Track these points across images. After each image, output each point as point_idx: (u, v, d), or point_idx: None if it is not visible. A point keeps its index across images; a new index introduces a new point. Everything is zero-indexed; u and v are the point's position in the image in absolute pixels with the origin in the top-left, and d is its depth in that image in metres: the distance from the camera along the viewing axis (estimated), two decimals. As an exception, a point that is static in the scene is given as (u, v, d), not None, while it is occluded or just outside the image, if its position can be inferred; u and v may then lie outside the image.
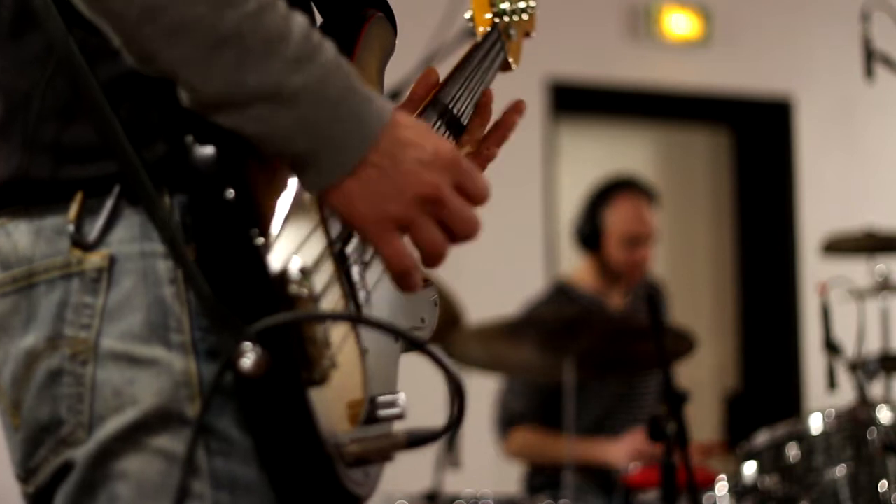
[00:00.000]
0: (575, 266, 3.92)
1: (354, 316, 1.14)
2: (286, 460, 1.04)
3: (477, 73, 1.41)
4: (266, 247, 1.03)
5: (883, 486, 3.10)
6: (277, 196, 1.07)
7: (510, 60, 1.52)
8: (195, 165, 1.04)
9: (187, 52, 1.02)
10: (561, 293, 3.80)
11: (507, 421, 3.67)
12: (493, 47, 1.47)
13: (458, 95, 1.35)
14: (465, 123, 1.38)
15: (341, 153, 1.06)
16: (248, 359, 1.00)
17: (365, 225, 1.07)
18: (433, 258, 1.09)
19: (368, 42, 1.25)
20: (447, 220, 1.09)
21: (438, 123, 1.32)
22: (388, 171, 1.07)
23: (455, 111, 1.35)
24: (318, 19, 1.28)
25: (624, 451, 3.45)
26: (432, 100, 1.32)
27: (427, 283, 1.29)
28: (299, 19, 1.06)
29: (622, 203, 3.73)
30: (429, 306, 1.31)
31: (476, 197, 1.12)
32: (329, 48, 1.07)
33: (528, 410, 3.68)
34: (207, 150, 1.04)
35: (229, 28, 1.02)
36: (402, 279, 1.09)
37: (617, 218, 3.71)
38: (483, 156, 1.42)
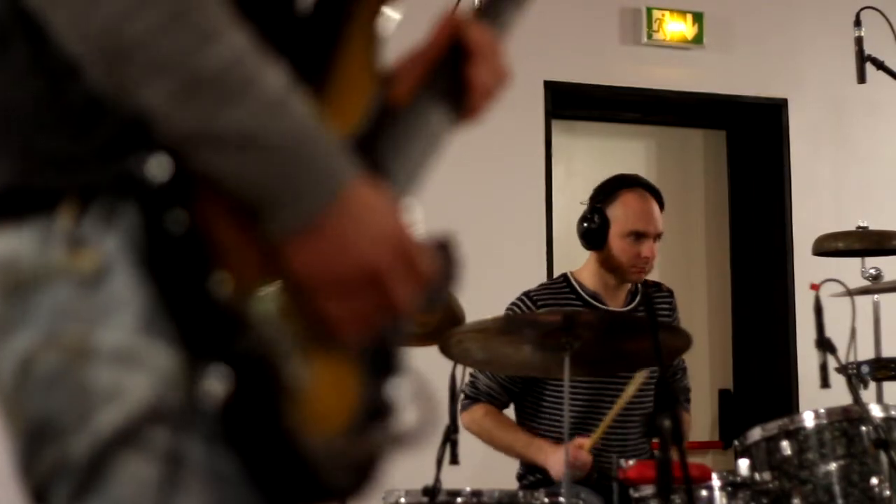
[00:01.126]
0: (578, 265, 3.94)
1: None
2: (265, 463, 1.07)
3: (499, 14, 1.40)
4: (217, 274, 1.04)
5: (874, 481, 3.13)
6: (232, 217, 1.08)
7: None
8: (148, 186, 1.05)
9: (164, 90, 1.04)
10: (566, 282, 3.83)
11: (472, 395, 3.75)
12: None
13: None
14: None
15: (300, 206, 1.08)
16: (216, 386, 1.02)
17: (307, 283, 1.09)
18: (349, 333, 1.12)
19: (360, 20, 1.25)
20: (379, 300, 1.11)
21: None
22: (336, 235, 1.09)
23: None
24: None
25: (559, 460, 3.48)
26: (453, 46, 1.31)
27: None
28: (272, 67, 1.08)
29: (629, 199, 3.73)
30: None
31: (416, 279, 1.13)
32: (299, 97, 1.09)
33: (492, 391, 3.76)
34: (163, 171, 1.05)
35: (208, 69, 1.04)
36: (327, 337, 1.11)
37: (623, 213, 3.71)
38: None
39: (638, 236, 3.69)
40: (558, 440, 3.62)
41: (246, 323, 1.05)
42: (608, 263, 3.76)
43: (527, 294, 3.78)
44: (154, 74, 1.04)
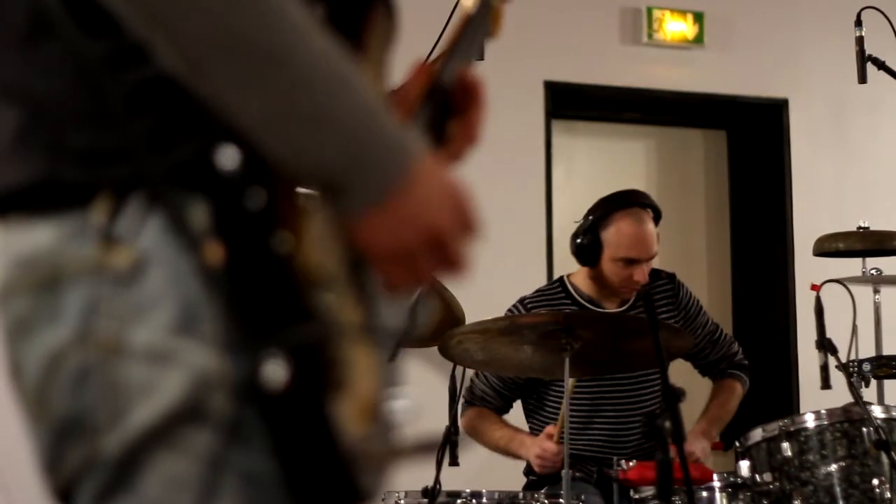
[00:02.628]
0: (574, 270, 3.93)
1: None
2: (305, 460, 1.06)
3: (470, 49, 1.41)
4: (290, 257, 1.04)
5: (875, 482, 3.13)
6: (300, 203, 1.08)
7: (490, 30, 1.50)
8: (220, 171, 1.05)
9: (241, 70, 1.04)
10: (562, 286, 3.83)
11: (468, 400, 3.77)
12: (481, 18, 1.47)
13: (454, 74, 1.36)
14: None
15: (373, 181, 1.08)
16: (276, 372, 1.02)
17: (377, 253, 1.11)
18: (421, 284, 1.15)
19: (374, 32, 1.25)
20: (443, 260, 1.14)
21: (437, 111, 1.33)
22: (408, 206, 1.10)
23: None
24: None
25: (532, 449, 3.51)
26: (433, 84, 1.32)
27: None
28: (335, 42, 1.08)
29: (623, 225, 3.67)
30: (427, 302, 1.35)
31: (473, 232, 1.17)
32: (360, 72, 1.10)
33: (486, 396, 3.77)
34: (234, 157, 1.05)
35: (282, 47, 1.04)
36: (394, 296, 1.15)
37: (616, 239, 3.66)
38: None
39: (630, 262, 3.66)
40: (582, 442, 3.64)
41: (309, 308, 1.04)
42: (600, 280, 3.74)
43: (521, 301, 3.77)
44: (228, 56, 1.04)
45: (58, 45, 1.10)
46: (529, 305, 3.74)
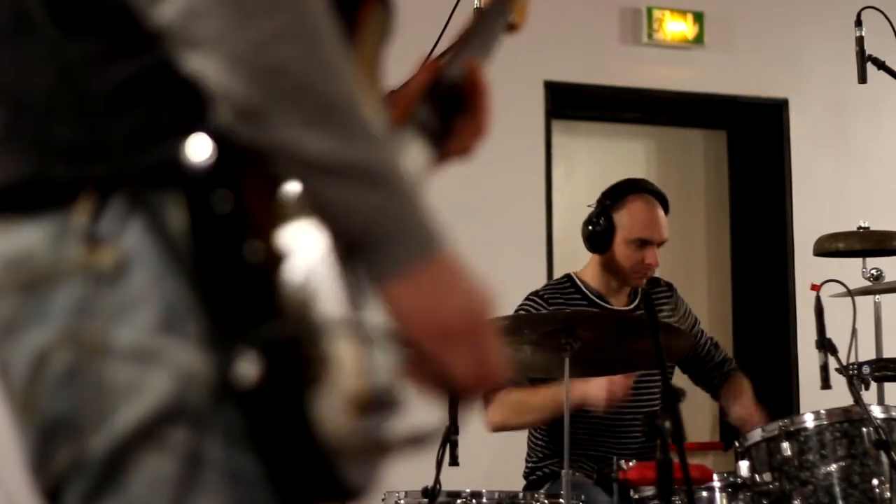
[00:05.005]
0: (578, 265, 3.94)
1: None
2: (285, 457, 1.06)
3: (482, 43, 1.41)
4: (261, 255, 1.04)
5: (875, 482, 3.13)
6: (272, 203, 1.08)
7: (514, 21, 1.51)
8: (190, 168, 1.05)
9: (304, 116, 1.05)
10: (571, 282, 3.83)
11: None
12: (498, 12, 1.47)
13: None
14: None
15: (414, 245, 1.10)
16: (248, 369, 1.02)
17: (413, 323, 1.11)
18: (444, 385, 1.15)
19: (368, 26, 1.25)
20: (479, 356, 1.14)
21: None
22: (444, 282, 1.11)
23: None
24: None
25: (595, 389, 3.45)
26: (437, 79, 1.32)
27: None
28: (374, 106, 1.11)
29: (636, 206, 3.73)
30: None
31: (484, 352, 1.15)
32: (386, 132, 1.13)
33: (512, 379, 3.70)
34: (204, 156, 1.05)
35: (342, 98, 1.07)
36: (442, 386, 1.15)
37: (629, 220, 3.71)
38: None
39: (643, 243, 3.70)
40: (581, 441, 3.62)
41: (281, 305, 1.05)
42: (611, 267, 3.76)
43: (536, 294, 3.78)
44: (294, 99, 1.05)
45: (40, 43, 1.10)
46: (546, 297, 3.75)
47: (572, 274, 3.87)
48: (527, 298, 3.77)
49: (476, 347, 1.14)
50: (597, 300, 3.78)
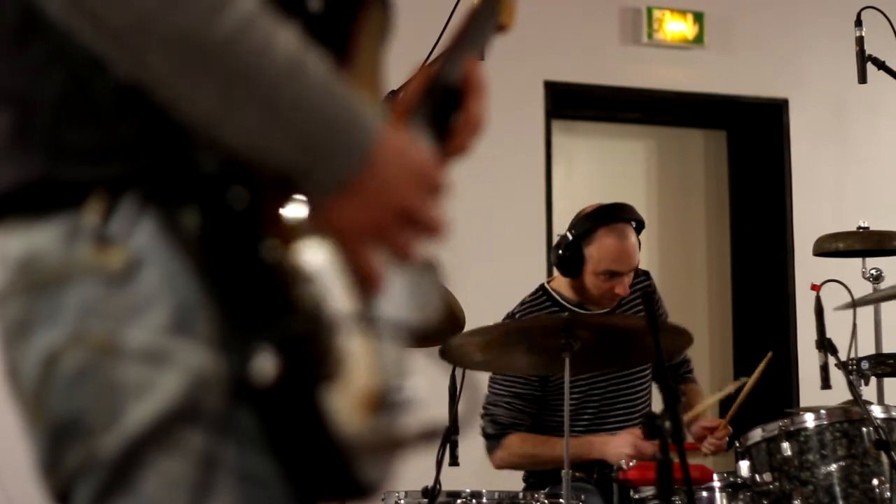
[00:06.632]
0: (555, 276, 3.91)
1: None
2: (300, 456, 1.06)
3: (475, 43, 1.41)
4: (275, 253, 1.04)
5: (875, 482, 3.13)
6: (284, 199, 1.08)
7: (503, 22, 1.49)
8: (204, 171, 1.05)
9: (179, 64, 1.04)
10: (546, 294, 3.81)
11: (499, 432, 3.67)
12: (489, 11, 1.46)
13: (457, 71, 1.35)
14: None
15: (334, 166, 1.09)
16: (265, 366, 1.02)
17: (343, 235, 1.10)
18: (404, 258, 1.15)
19: (368, 26, 1.24)
20: (418, 230, 1.14)
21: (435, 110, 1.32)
22: (372, 185, 1.10)
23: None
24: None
25: (621, 445, 3.46)
26: (434, 79, 1.32)
27: (428, 264, 1.30)
28: (284, 28, 1.08)
29: (605, 241, 3.67)
30: (434, 286, 1.34)
31: (441, 193, 1.16)
32: (317, 57, 1.09)
33: (516, 420, 3.68)
34: (216, 157, 1.05)
35: (220, 39, 1.04)
36: (369, 285, 1.13)
37: (598, 254, 3.67)
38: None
39: (612, 274, 3.67)
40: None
41: (295, 302, 1.05)
42: (581, 291, 3.73)
43: (511, 316, 3.74)
44: (162, 50, 1.03)
45: (46, 46, 1.10)
46: (519, 317, 3.73)
47: (546, 285, 3.85)
48: (504, 320, 3.73)
49: (410, 229, 1.14)
50: (575, 309, 3.75)
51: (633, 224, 3.74)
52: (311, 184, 1.08)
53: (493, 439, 3.67)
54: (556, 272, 3.85)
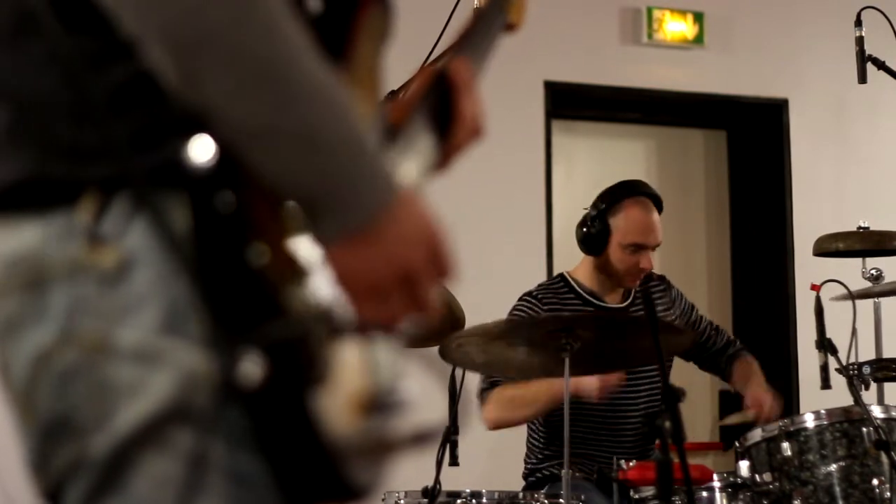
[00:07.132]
0: (575, 263, 3.94)
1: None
2: (290, 457, 1.06)
3: (480, 44, 1.41)
4: (264, 256, 1.04)
5: (875, 482, 3.13)
6: (274, 202, 1.08)
7: (512, 21, 1.50)
8: (193, 168, 1.05)
9: (232, 82, 1.04)
10: (564, 281, 3.83)
11: (488, 387, 3.68)
12: (495, 13, 1.46)
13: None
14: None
15: (350, 212, 1.09)
16: (252, 369, 1.02)
17: (347, 284, 1.10)
18: (385, 327, 1.14)
19: (367, 27, 1.24)
20: (412, 298, 1.13)
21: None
22: (382, 240, 1.10)
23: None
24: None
25: (591, 380, 3.42)
26: (435, 79, 1.32)
27: None
28: (325, 64, 1.08)
29: (632, 211, 3.72)
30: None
31: (445, 273, 1.16)
32: (351, 96, 1.09)
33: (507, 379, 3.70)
34: (205, 151, 1.05)
35: (276, 63, 1.05)
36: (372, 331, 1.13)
37: (625, 224, 3.71)
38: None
39: (638, 248, 3.70)
40: (580, 440, 3.62)
41: (284, 305, 1.04)
42: (605, 269, 3.76)
43: (530, 294, 3.77)
44: (224, 66, 1.04)
45: (43, 43, 1.10)
46: (540, 297, 3.75)
47: (565, 273, 3.88)
48: (521, 300, 3.77)
49: (406, 295, 1.13)
50: (591, 299, 3.78)
51: (655, 202, 3.79)
52: (325, 222, 1.08)
53: (483, 395, 3.67)
54: (574, 263, 3.86)
